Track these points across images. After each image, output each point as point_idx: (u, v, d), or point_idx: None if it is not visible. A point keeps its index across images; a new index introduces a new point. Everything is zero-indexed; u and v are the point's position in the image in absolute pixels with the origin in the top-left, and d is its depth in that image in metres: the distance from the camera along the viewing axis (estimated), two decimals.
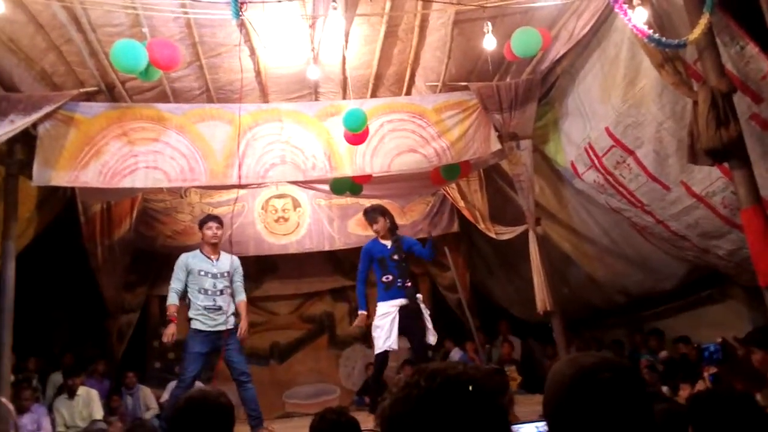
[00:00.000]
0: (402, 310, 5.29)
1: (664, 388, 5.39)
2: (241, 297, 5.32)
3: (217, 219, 5.40)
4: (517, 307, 8.65)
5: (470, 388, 0.98)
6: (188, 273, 5.14)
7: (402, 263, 5.42)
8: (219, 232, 5.30)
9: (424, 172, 6.06)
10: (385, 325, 5.28)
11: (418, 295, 5.52)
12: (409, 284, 5.39)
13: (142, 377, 7.70)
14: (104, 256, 7.18)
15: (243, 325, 5.20)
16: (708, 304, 6.48)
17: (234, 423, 2.17)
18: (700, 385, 3.22)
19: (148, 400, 7.28)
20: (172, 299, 5.13)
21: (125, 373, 7.42)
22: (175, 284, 5.13)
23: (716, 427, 1.88)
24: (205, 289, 5.12)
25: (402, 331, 5.33)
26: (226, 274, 5.23)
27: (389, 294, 5.36)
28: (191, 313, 5.13)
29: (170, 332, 5.06)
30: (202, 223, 5.34)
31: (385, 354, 5.32)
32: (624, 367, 1.16)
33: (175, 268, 5.19)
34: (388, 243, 5.50)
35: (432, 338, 5.40)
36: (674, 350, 6.56)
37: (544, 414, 1.19)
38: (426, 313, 5.44)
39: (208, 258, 5.22)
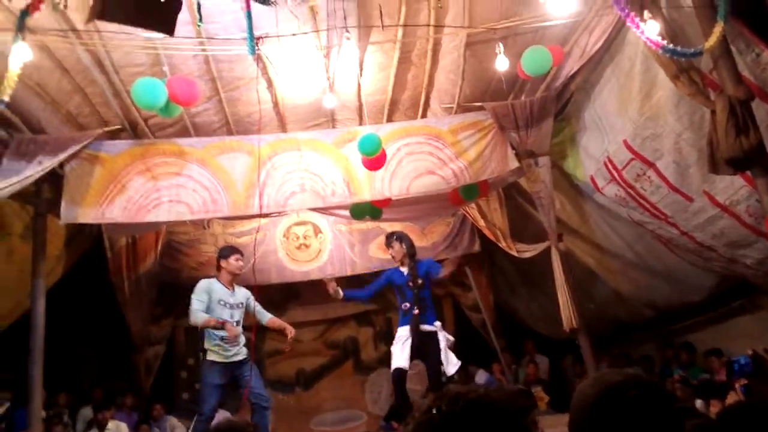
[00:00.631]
0: (415, 335, 5.33)
1: (698, 403, 5.26)
2: (268, 315, 5.45)
3: (239, 250, 5.49)
4: (543, 325, 8.54)
5: (492, 410, 0.99)
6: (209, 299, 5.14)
7: (417, 290, 5.45)
8: (242, 263, 5.39)
9: (443, 193, 6.08)
10: (398, 347, 5.38)
11: (437, 323, 5.50)
12: (421, 309, 5.41)
13: (170, 409, 7.73)
14: (131, 290, 7.27)
15: (287, 326, 5.32)
16: (738, 315, 6.34)
17: None
18: (732, 397, 3.14)
19: (174, 425, 7.37)
20: (204, 316, 5.01)
21: (153, 405, 7.47)
22: (199, 305, 5.05)
23: None
24: (223, 320, 5.13)
25: (418, 356, 5.40)
26: (241, 305, 5.31)
27: (405, 320, 5.46)
28: (207, 345, 5.11)
29: (235, 330, 5.02)
30: (226, 254, 5.38)
31: (399, 372, 5.33)
32: (651, 384, 1.15)
33: (198, 291, 5.13)
34: (405, 270, 5.56)
35: (451, 368, 5.38)
36: (706, 363, 6.42)
37: None
38: (444, 342, 5.41)
39: (227, 288, 5.26)
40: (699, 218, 5.03)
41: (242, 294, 5.37)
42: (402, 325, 5.49)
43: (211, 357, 5.09)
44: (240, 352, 5.20)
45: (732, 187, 4.57)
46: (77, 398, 7.42)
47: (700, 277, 6.10)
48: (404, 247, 5.59)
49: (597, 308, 7.39)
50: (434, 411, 1.02)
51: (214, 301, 5.13)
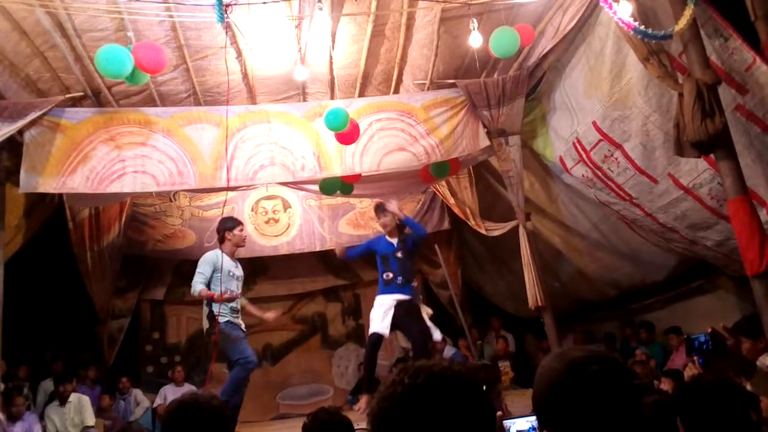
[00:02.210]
0: (399, 306, 5.34)
1: (656, 382, 5.42)
2: None
3: (241, 221, 5.55)
4: (509, 303, 8.69)
5: (455, 383, 0.99)
6: (214, 271, 5.07)
7: (405, 262, 5.47)
8: (246, 234, 5.49)
9: (413, 170, 6.07)
10: (379, 313, 5.38)
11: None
12: (415, 284, 5.47)
13: (135, 382, 7.67)
14: (94, 261, 7.13)
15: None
16: (697, 295, 6.53)
17: (229, 425, 2.16)
18: (690, 370, 3.25)
19: (139, 398, 7.34)
20: (201, 287, 4.97)
21: (119, 378, 7.41)
22: (200, 278, 5.01)
23: (704, 416, 1.90)
24: (231, 291, 5.13)
25: (398, 327, 5.40)
26: (242, 277, 5.36)
27: (388, 289, 5.45)
28: (217, 310, 4.99)
29: (229, 294, 4.96)
30: (231, 226, 5.32)
31: (376, 337, 5.37)
32: (611, 360, 1.17)
33: (202, 264, 5.09)
34: (395, 240, 5.55)
35: (437, 334, 5.46)
36: (665, 341, 6.62)
37: (533, 408, 1.20)
38: (425, 312, 5.49)
39: (232, 260, 5.25)
40: (663, 200, 5.13)
41: (241, 266, 5.39)
42: (383, 293, 5.47)
43: (226, 318, 5.03)
44: (242, 322, 5.26)
45: (696, 170, 4.66)
46: (38, 371, 7.30)
47: (661, 258, 6.25)
48: (397, 218, 5.57)
49: (562, 287, 7.53)
50: (397, 384, 1.02)
51: (224, 273, 5.09)
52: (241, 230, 5.37)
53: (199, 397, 2.15)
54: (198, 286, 5.00)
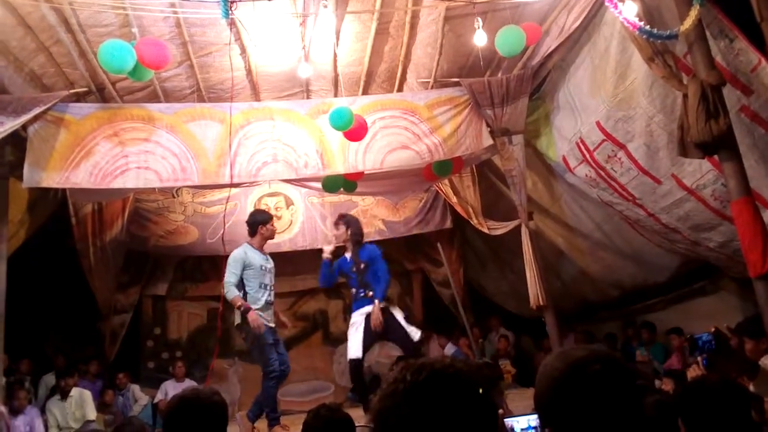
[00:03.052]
0: (368, 317, 5.34)
1: (657, 382, 5.42)
2: None
3: (272, 214, 5.61)
4: (511, 302, 8.68)
5: (456, 380, 0.99)
6: (245, 268, 5.08)
7: (360, 275, 5.46)
8: (275, 228, 5.55)
9: (416, 168, 6.07)
10: (351, 334, 5.44)
11: (376, 302, 5.41)
12: (370, 294, 5.40)
13: (135, 378, 7.70)
14: (96, 257, 7.15)
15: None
16: (700, 296, 6.52)
17: (227, 421, 2.17)
18: (693, 371, 3.25)
19: (137, 394, 7.35)
20: (235, 292, 5.00)
21: (116, 374, 7.42)
22: (232, 278, 5.02)
23: (705, 416, 1.89)
24: (266, 284, 5.16)
25: (381, 337, 5.47)
26: (273, 269, 5.35)
27: (356, 305, 5.50)
28: (252, 307, 5.02)
29: (259, 321, 4.94)
30: (265, 220, 5.35)
31: (354, 363, 5.38)
32: (613, 360, 1.17)
33: (232, 262, 5.09)
34: (348, 255, 5.58)
35: (416, 335, 5.45)
36: (667, 341, 6.61)
37: (535, 407, 1.20)
38: (400, 315, 5.49)
39: (262, 254, 5.27)
40: (666, 201, 5.12)
41: (271, 260, 5.40)
42: (354, 309, 5.52)
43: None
44: (272, 319, 5.26)
45: (699, 171, 4.65)
46: (40, 365, 7.32)
47: (664, 259, 6.24)
48: (348, 232, 5.55)
49: (564, 287, 7.53)
50: (399, 381, 1.02)
51: (257, 268, 5.12)
52: (273, 224, 5.44)
53: (201, 393, 2.15)
54: (232, 290, 4.99)
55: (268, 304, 5.16)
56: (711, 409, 1.88)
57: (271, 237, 5.45)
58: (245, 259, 5.10)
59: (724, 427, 1.85)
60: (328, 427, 2.44)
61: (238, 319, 5.11)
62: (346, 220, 5.68)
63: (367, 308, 5.37)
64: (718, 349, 2.27)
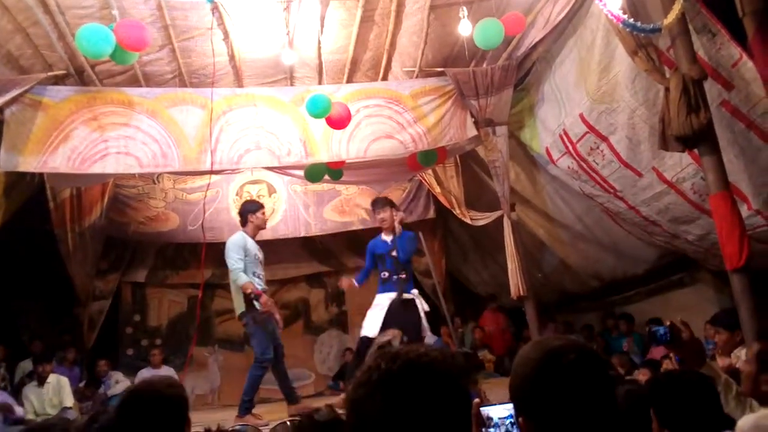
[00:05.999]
0: (394, 302, 5.33)
1: (636, 372, 5.49)
2: None
3: (262, 204, 5.59)
4: (492, 292, 8.73)
5: (431, 369, 0.99)
6: (245, 255, 5.08)
7: (397, 258, 5.41)
8: (267, 217, 5.55)
9: (400, 158, 6.06)
10: (373, 314, 5.36)
11: (414, 291, 5.52)
12: (404, 276, 5.40)
13: (114, 364, 7.63)
14: (74, 242, 7.05)
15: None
16: (677, 288, 6.61)
17: (186, 416, 2.02)
18: (667, 365, 3.31)
19: (118, 377, 7.27)
20: (245, 277, 4.98)
21: (97, 361, 7.35)
22: (240, 264, 5.01)
23: (676, 406, 1.94)
24: (259, 274, 5.16)
25: (396, 324, 5.39)
26: (263, 261, 5.34)
27: (385, 287, 5.44)
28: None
29: (272, 304, 5.06)
30: (255, 208, 5.37)
31: (366, 340, 5.32)
32: (588, 350, 1.18)
33: (233, 247, 5.08)
34: (389, 239, 5.49)
35: (428, 338, 5.44)
36: (645, 332, 6.70)
37: (510, 396, 1.21)
38: (422, 310, 5.45)
39: (257, 243, 5.26)
40: (646, 193, 5.17)
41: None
42: (381, 292, 5.46)
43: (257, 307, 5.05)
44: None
45: (680, 164, 4.69)
46: (16, 351, 7.22)
47: (643, 251, 6.31)
48: (397, 215, 5.47)
49: (545, 277, 7.59)
50: (374, 370, 1.01)
51: (251, 257, 5.11)
52: (263, 213, 5.43)
53: (154, 385, 2.03)
54: (242, 276, 4.97)
55: (265, 292, 5.16)
56: (681, 400, 1.94)
57: (263, 226, 5.45)
58: (244, 245, 5.09)
59: (693, 415, 1.90)
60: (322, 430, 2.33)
61: (241, 308, 5.09)
62: (390, 202, 5.64)
63: (396, 294, 5.33)
64: (671, 341, 2.39)
